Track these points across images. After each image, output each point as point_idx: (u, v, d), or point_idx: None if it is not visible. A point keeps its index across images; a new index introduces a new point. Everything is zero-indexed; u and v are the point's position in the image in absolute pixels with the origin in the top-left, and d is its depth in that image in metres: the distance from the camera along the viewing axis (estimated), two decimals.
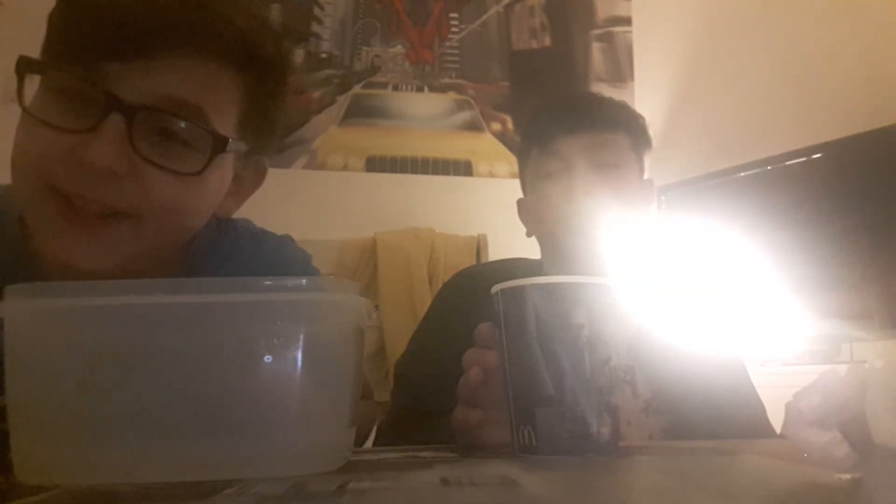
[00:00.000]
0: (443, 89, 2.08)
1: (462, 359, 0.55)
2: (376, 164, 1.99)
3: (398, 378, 0.92)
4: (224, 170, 0.57)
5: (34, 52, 0.53)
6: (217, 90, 0.53)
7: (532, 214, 1.00)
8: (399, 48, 2.09)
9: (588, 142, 0.84)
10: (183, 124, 0.51)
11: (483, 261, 1.60)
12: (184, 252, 0.62)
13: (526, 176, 0.99)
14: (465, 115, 2.07)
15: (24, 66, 0.49)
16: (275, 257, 0.71)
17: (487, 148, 2.05)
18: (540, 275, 0.58)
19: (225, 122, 0.54)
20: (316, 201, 1.91)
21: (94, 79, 0.48)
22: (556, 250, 0.95)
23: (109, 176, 0.48)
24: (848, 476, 0.36)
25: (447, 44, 2.11)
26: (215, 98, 0.53)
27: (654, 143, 1.99)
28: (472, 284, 0.95)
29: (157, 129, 0.51)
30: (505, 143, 2.06)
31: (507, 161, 2.05)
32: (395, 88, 2.06)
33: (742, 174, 1.83)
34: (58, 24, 0.50)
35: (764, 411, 0.88)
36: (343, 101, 2.02)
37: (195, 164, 0.52)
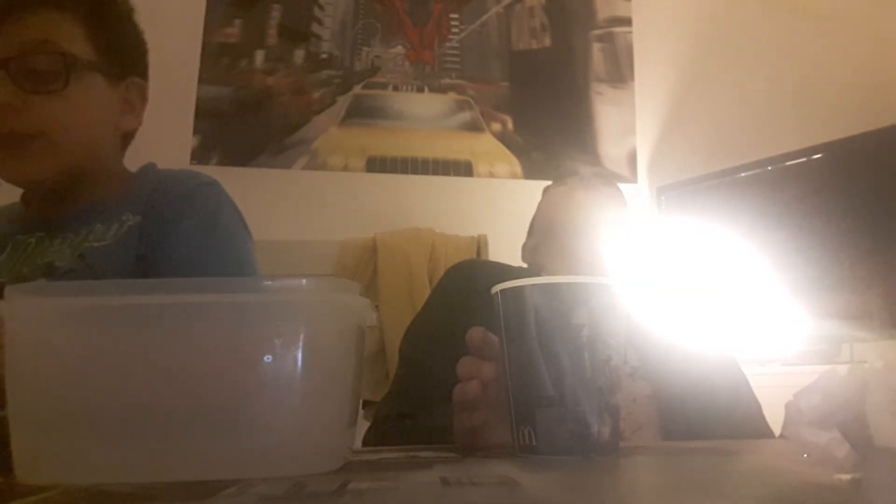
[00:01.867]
0: (443, 90, 2.08)
1: (456, 366, 0.54)
2: (376, 165, 1.99)
3: (404, 359, 0.93)
4: (95, 89, 0.77)
5: None
6: (61, 29, 0.74)
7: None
8: (399, 49, 2.09)
9: None
10: (43, 58, 0.72)
11: None
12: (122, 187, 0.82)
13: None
14: (465, 116, 2.07)
15: None
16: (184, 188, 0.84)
17: (487, 148, 2.05)
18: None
19: (79, 50, 0.75)
20: (316, 201, 1.91)
21: None
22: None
23: (11, 110, 0.70)
24: (848, 476, 0.36)
25: (447, 44, 2.11)
26: (62, 35, 0.73)
27: (655, 143, 2.01)
28: (475, 270, 0.97)
29: (30, 69, 0.71)
30: (505, 144, 2.06)
31: (508, 161, 2.05)
32: (396, 89, 2.06)
33: (742, 174, 1.83)
34: None
35: (760, 410, 0.89)
36: (343, 101, 2.02)
37: (62, 84, 0.73)
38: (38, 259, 0.75)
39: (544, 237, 1.03)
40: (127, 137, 0.86)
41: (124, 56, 0.81)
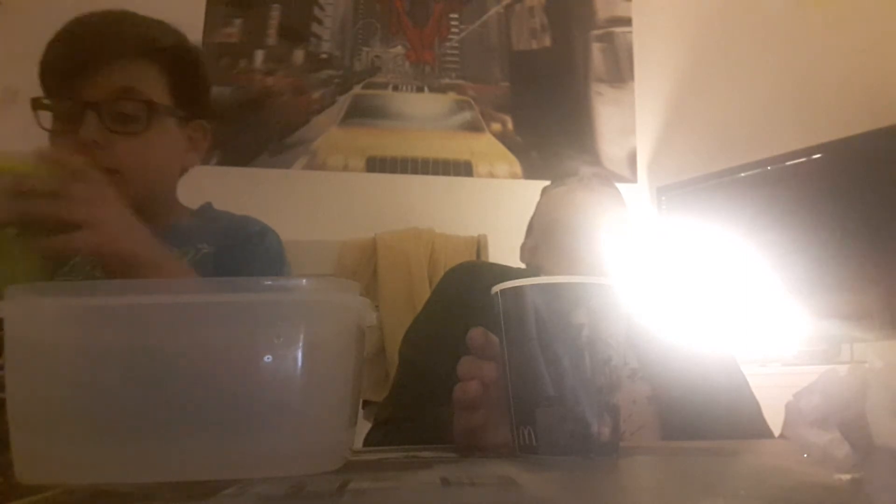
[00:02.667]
0: (443, 90, 2.08)
1: (457, 366, 0.54)
2: (376, 165, 1.99)
3: (403, 362, 0.93)
4: (169, 131, 0.85)
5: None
6: (146, 77, 0.82)
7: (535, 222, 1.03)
8: (399, 48, 2.09)
9: None
10: (129, 104, 0.79)
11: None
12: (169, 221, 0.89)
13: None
14: (465, 116, 2.07)
15: (36, 105, 0.79)
16: (239, 227, 0.93)
17: (487, 148, 2.05)
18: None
19: (159, 97, 0.83)
20: (316, 201, 1.91)
21: (72, 93, 0.77)
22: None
23: (95, 146, 0.76)
24: (848, 476, 0.36)
25: (447, 44, 2.11)
26: (146, 82, 0.82)
27: (655, 143, 2.01)
28: (474, 272, 0.97)
29: (116, 112, 0.78)
30: (505, 144, 2.06)
31: (507, 161, 2.05)
32: (396, 89, 2.06)
33: (742, 174, 1.83)
34: (44, 68, 0.81)
35: (760, 410, 0.89)
36: (343, 101, 2.02)
37: (143, 126, 0.80)
38: None
39: (543, 237, 1.03)
40: (183, 171, 0.93)
41: (195, 101, 0.89)
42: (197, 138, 0.91)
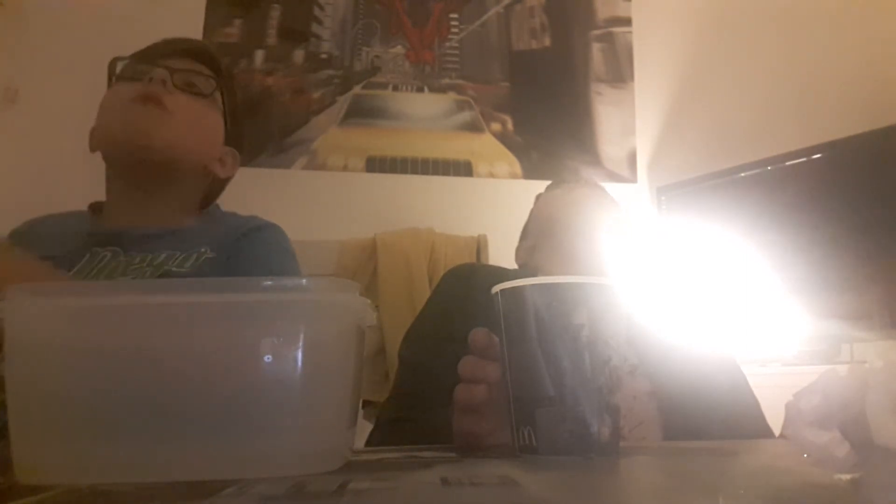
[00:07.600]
0: (443, 90, 2.08)
1: (459, 366, 0.54)
2: (376, 165, 1.99)
3: (403, 363, 0.93)
4: (217, 116, 0.94)
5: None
6: (201, 79, 0.92)
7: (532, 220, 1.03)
8: (399, 48, 2.09)
9: None
10: (197, 77, 0.90)
11: (483, 261, 1.60)
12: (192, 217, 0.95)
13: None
14: (465, 116, 2.07)
15: (111, 66, 0.91)
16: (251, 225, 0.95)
17: (487, 148, 2.05)
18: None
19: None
20: (316, 201, 1.91)
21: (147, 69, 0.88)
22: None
23: (161, 86, 0.85)
24: (848, 476, 0.36)
25: (447, 44, 2.11)
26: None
27: (655, 143, 2.01)
28: (473, 273, 0.97)
29: (187, 81, 0.89)
30: (505, 144, 2.06)
31: (507, 161, 2.05)
32: (396, 89, 2.06)
33: (742, 174, 1.83)
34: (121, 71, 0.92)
35: (760, 409, 0.89)
36: (343, 101, 2.02)
37: (207, 92, 0.92)
38: (118, 273, 0.81)
39: (542, 238, 1.03)
40: (214, 188, 0.98)
41: (234, 122, 0.99)
42: (226, 160, 0.98)
